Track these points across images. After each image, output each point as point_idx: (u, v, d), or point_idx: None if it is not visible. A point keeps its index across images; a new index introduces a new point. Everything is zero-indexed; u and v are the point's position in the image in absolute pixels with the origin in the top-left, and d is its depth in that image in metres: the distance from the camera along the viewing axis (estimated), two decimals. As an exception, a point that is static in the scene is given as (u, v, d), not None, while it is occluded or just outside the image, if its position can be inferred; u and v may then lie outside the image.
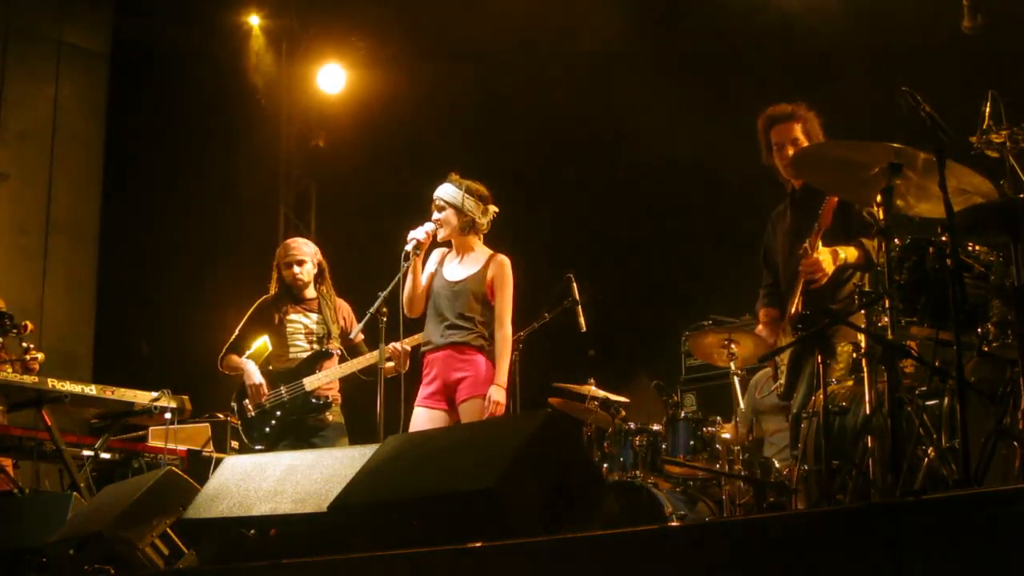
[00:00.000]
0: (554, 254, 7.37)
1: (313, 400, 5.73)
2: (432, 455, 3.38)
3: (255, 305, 6.02)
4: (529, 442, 3.06)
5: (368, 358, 5.63)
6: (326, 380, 5.76)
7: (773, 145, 4.60)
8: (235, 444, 6.72)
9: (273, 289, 6.04)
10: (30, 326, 6.44)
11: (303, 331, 5.91)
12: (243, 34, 9.52)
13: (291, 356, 5.86)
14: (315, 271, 6.01)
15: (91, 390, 6.03)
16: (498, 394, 5.06)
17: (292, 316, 5.92)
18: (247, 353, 5.90)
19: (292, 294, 5.97)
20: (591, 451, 5.94)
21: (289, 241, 6.15)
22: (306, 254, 5.99)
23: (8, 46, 9.25)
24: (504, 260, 5.25)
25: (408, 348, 5.34)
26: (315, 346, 5.87)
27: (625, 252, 8.07)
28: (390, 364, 5.25)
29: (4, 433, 6.06)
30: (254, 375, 5.76)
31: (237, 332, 5.97)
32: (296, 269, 5.93)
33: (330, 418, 5.79)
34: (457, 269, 5.28)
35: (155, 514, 3.97)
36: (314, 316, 5.95)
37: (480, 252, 5.29)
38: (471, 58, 8.14)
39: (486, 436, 3.45)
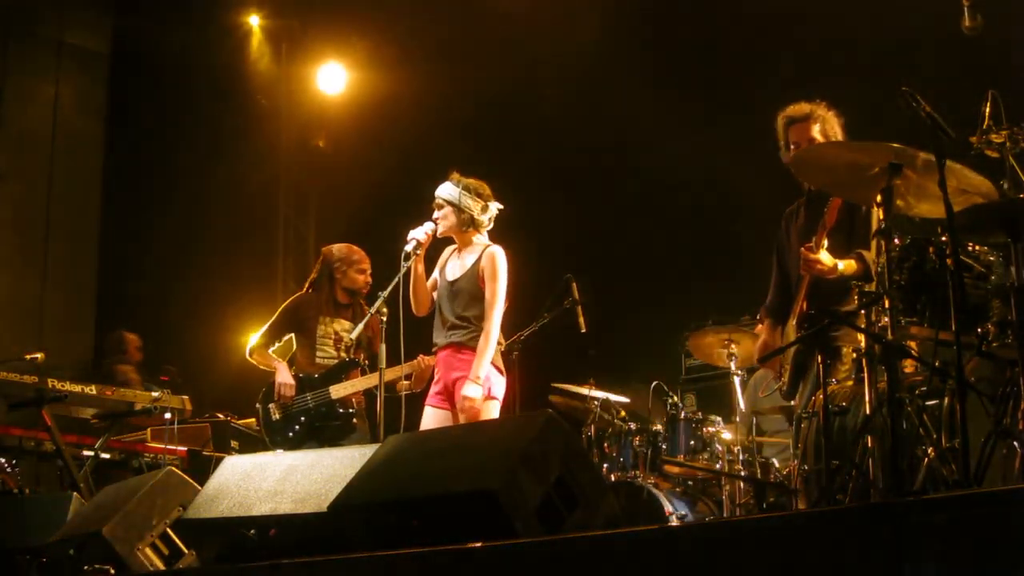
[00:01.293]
0: (554, 254, 7.37)
1: (340, 409, 5.67)
2: (433, 455, 3.37)
3: (291, 301, 5.96)
4: (530, 443, 3.05)
5: (397, 370, 5.39)
6: (353, 391, 5.70)
7: (791, 144, 4.58)
8: (235, 444, 6.71)
9: (308, 287, 5.96)
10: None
11: (333, 337, 5.84)
12: (243, 34, 9.52)
13: (317, 361, 5.80)
14: None
15: (91, 390, 6.02)
16: (471, 390, 4.91)
17: (329, 320, 5.85)
18: (272, 349, 5.87)
19: (334, 298, 5.89)
20: (591, 451, 5.94)
21: (353, 246, 5.98)
22: None
23: (8, 46, 9.24)
24: (495, 252, 5.15)
25: (432, 364, 5.30)
26: (343, 355, 5.80)
27: (625, 252, 8.07)
28: (406, 383, 5.28)
29: (4, 433, 6.06)
30: (286, 373, 5.70)
31: (269, 326, 5.88)
32: (369, 277, 5.87)
33: (355, 423, 5.74)
34: (456, 267, 5.27)
35: (155, 514, 3.96)
36: (347, 324, 5.87)
37: (476, 248, 5.24)
38: (470, 58, 8.13)
39: (487, 436, 3.44)
